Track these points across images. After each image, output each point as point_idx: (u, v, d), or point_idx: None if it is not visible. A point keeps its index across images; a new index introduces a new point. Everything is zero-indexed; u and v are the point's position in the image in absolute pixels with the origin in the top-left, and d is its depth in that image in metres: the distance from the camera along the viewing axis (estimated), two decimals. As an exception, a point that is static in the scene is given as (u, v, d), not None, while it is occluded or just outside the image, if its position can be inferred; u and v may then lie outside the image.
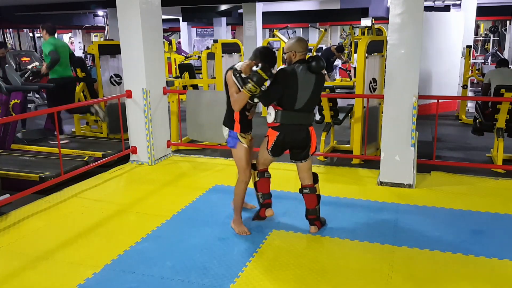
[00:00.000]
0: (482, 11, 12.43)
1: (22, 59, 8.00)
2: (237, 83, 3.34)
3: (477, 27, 18.40)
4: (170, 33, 21.51)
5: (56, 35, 6.52)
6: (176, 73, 12.28)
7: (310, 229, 3.68)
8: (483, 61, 15.68)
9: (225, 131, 3.64)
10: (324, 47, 13.37)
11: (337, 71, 11.13)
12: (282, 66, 3.47)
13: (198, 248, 3.42)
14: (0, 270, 3.16)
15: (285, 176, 5.24)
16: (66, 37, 23.96)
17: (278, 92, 3.36)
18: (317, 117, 6.11)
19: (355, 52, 7.73)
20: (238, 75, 3.34)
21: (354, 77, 8.04)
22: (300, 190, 3.70)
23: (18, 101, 6.13)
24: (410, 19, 4.42)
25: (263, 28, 10.46)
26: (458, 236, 3.59)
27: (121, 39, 5.48)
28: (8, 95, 6.00)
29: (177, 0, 11.34)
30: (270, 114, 3.46)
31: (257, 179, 3.79)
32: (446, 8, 13.80)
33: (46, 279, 3.05)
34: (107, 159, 5.52)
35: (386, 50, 4.80)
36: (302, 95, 3.36)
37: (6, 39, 17.91)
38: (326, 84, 7.70)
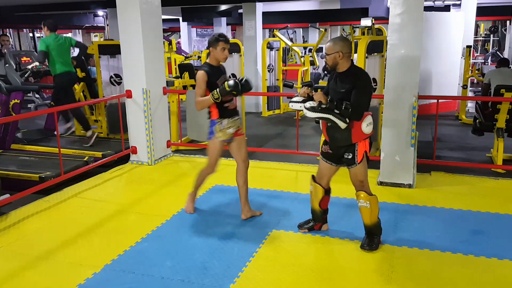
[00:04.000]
0: (482, 11, 12.42)
1: (22, 59, 8.00)
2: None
3: (477, 27, 18.39)
4: (170, 33, 21.50)
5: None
6: (176, 73, 12.26)
7: (324, 228, 3.72)
8: (483, 61, 15.67)
9: (208, 124, 3.82)
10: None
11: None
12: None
13: (198, 248, 3.42)
14: (0, 270, 3.16)
15: (285, 176, 5.25)
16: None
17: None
18: (317, 117, 6.10)
19: (355, 52, 7.72)
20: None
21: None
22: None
23: (18, 101, 6.13)
24: (410, 19, 4.42)
25: (263, 28, 10.44)
26: (458, 236, 3.59)
27: (121, 39, 5.48)
28: (8, 95, 6.00)
29: (177, 0, 11.33)
30: (371, 123, 3.25)
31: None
32: (446, 8, 13.78)
33: (46, 279, 3.05)
34: (107, 159, 5.52)
35: (386, 50, 4.80)
36: None
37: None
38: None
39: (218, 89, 3.55)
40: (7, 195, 4.13)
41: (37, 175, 4.81)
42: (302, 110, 3.26)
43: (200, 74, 3.62)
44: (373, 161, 5.47)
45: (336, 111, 3.11)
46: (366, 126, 3.23)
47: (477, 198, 4.41)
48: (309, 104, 3.18)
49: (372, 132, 3.32)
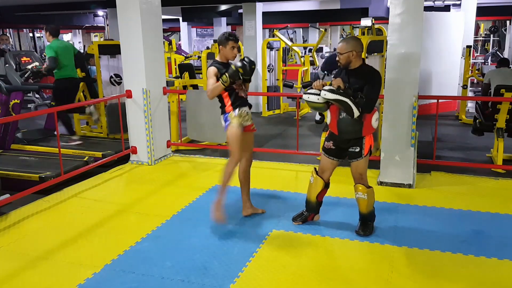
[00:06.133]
0: (482, 11, 12.43)
1: (22, 59, 8.01)
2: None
3: (477, 27, 18.39)
4: (170, 33, 21.50)
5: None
6: (176, 73, 12.27)
7: (316, 218, 3.86)
8: (483, 61, 15.67)
9: (222, 120, 3.77)
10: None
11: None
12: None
13: (198, 248, 3.42)
14: (0, 270, 3.16)
15: (285, 176, 5.25)
16: (66, 38, 23.93)
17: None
18: (317, 117, 6.12)
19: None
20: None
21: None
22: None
23: (18, 101, 6.13)
24: (410, 19, 4.42)
25: (263, 28, 10.44)
26: (458, 236, 3.59)
27: (121, 39, 5.48)
28: (8, 95, 6.00)
29: (177, 0, 11.33)
30: (378, 118, 3.45)
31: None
32: (446, 8, 13.79)
33: (46, 279, 3.05)
34: (107, 159, 5.52)
35: (386, 50, 4.80)
36: None
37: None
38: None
39: (226, 73, 3.53)
40: (7, 195, 4.13)
41: (37, 175, 4.81)
42: (318, 102, 3.35)
43: (212, 69, 3.65)
44: (373, 161, 5.49)
45: (352, 98, 3.26)
46: (375, 120, 3.40)
47: (477, 198, 4.41)
48: (328, 87, 3.31)
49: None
